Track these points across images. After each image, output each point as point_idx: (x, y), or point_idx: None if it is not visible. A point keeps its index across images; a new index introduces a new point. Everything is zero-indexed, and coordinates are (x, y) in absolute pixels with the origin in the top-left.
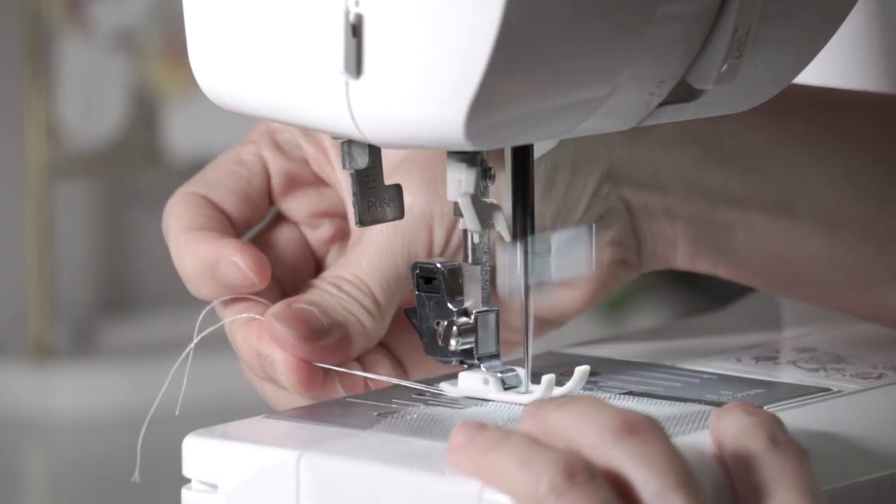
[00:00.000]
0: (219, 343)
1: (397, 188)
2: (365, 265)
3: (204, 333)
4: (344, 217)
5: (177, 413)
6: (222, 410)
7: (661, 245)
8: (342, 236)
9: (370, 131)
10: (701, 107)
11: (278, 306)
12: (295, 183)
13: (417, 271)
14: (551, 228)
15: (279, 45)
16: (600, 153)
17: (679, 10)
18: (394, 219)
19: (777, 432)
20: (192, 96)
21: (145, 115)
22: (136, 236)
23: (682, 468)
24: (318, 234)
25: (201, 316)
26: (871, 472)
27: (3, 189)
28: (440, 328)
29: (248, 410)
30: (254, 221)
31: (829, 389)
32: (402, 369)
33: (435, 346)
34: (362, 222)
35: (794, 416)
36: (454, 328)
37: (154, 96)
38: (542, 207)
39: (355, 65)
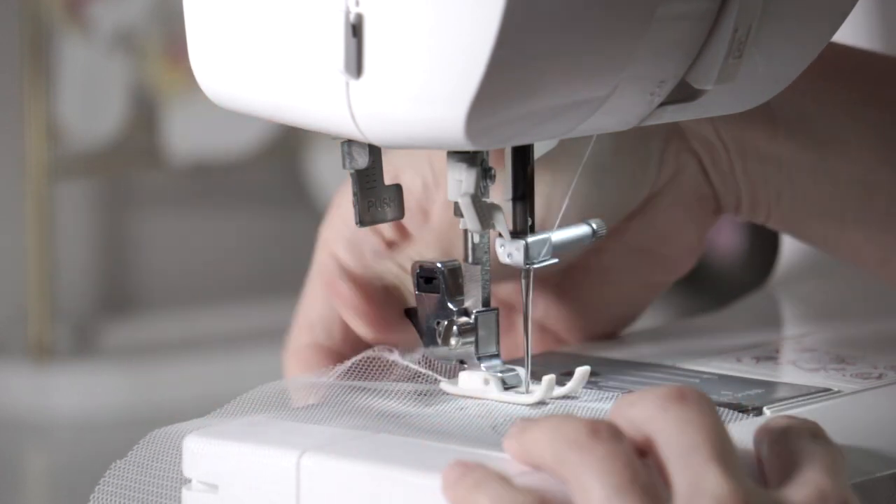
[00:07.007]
0: (219, 344)
1: (397, 188)
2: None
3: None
4: None
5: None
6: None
7: (729, 196)
8: None
9: (370, 131)
10: (701, 107)
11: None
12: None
13: (418, 271)
14: (622, 206)
15: (279, 45)
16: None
17: (679, 11)
18: (393, 219)
19: (819, 431)
20: (192, 96)
21: (145, 115)
22: (136, 236)
23: (719, 436)
24: None
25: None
26: (872, 472)
27: (3, 189)
28: (440, 328)
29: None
30: None
31: (829, 389)
32: None
33: (435, 346)
34: (362, 222)
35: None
36: (454, 328)
37: (154, 96)
38: (601, 196)
39: (355, 65)
